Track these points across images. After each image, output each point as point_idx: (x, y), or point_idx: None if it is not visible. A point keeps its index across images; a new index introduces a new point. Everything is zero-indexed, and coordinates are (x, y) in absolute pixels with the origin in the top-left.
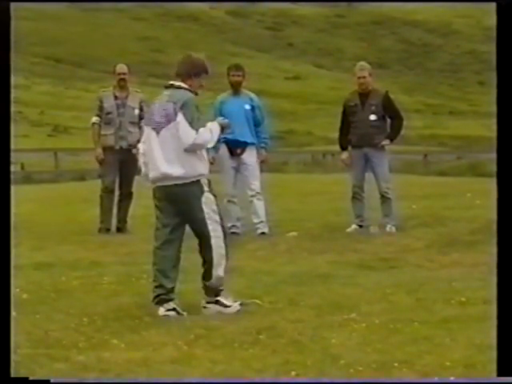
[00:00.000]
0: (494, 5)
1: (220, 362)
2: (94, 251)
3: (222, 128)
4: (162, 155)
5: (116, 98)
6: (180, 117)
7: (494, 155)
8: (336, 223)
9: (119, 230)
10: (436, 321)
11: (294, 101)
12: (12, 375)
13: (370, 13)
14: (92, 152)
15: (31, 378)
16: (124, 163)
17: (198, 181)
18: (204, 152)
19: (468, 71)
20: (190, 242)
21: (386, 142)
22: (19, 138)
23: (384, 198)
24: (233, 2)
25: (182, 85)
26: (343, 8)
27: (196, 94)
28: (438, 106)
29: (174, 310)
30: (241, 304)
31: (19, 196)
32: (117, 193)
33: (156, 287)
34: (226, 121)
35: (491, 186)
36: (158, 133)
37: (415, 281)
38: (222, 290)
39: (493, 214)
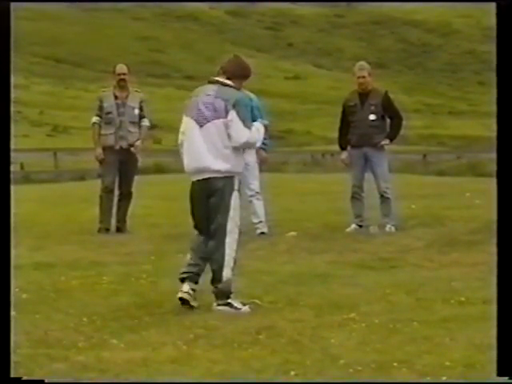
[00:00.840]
0: (493, 5)
1: (219, 361)
2: (93, 251)
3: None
4: (206, 148)
5: (116, 97)
6: (232, 115)
7: (493, 155)
8: (335, 223)
9: (119, 229)
10: (435, 320)
11: (294, 100)
12: (11, 375)
13: (369, 13)
14: (92, 152)
15: (24, 378)
16: (124, 163)
17: (232, 177)
18: (241, 150)
19: (467, 71)
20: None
21: (385, 141)
22: (19, 137)
23: (383, 198)
24: (232, 2)
25: (229, 83)
26: (343, 8)
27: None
28: (437, 106)
29: (193, 291)
30: (250, 307)
31: (18, 196)
32: (116, 192)
33: (189, 265)
34: (266, 122)
35: (491, 185)
36: (201, 126)
37: (415, 281)
38: (231, 293)
39: (492, 214)
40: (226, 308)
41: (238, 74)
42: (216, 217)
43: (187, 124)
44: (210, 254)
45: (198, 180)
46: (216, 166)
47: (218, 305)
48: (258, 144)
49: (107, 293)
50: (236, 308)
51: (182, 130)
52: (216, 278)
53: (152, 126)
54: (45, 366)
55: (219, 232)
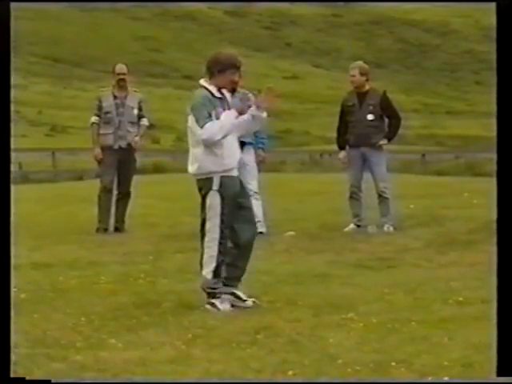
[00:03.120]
0: (491, 4)
1: (218, 361)
2: (91, 251)
3: (240, 113)
4: (190, 153)
5: (115, 97)
6: (190, 118)
7: (491, 155)
8: (334, 223)
9: (117, 229)
10: (434, 320)
11: (292, 100)
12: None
13: (367, 12)
14: (90, 151)
15: (28, 378)
16: (123, 163)
17: (210, 178)
18: (223, 149)
19: (466, 71)
20: (188, 242)
21: (383, 141)
22: (17, 137)
23: (381, 198)
24: (230, 2)
25: (202, 83)
26: (341, 8)
27: (234, 90)
28: (435, 106)
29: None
30: (233, 306)
31: (17, 196)
32: (115, 192)
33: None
34: (243, 106)
35: (489, 185)
36: None
37: (413, 280)
38: (214, 293)
39: (491, 214)
40: (210, 307)
41: (215, 69)
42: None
43: None
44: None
45: None
46: (190, 170)
47: (206, 303)
48: (219, 136)
49: (105, 293)
50: (217, 308)
51: None
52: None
53: (150, 126)
54: (43, 365)
55: (202, 232)
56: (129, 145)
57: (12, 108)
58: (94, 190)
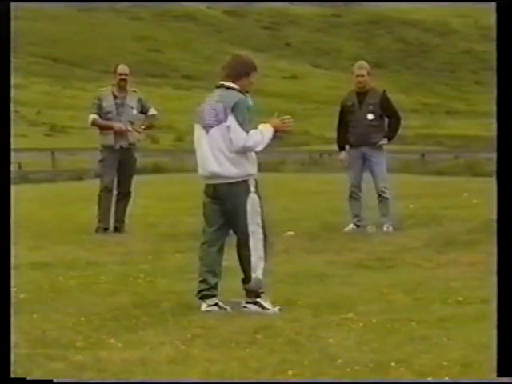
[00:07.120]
0: (491, 4)
1: (217, 361)
2: (91, 251)
3: (277, 131)
4: (212, 154)
5: (115, 97)
6: (230, 119)
7: (491, 155)
8: (333, 223)
9: (117, 229)
10: (433, 320)
11: (291, 100)
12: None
13: (367, 12)
14: (90, 151)
15: (29, 379)
16: (123, 163)
17: (246, 181)
18: (252, 152)
19: (465, 71)
20: (188, 242)
21: (383, 141)
22: (16, 137)
23: (381, 198)
24: (230, 2)
25: (232, 85)
26: (340, 7)
27: (247, 92)
28: (435, 106)
29: (216, 305)
30: (280, 309)
31: (16, 196)
32: (115, 192)
33: (200, 282)
34: (280, 122)
35: (488, 185)
36: (207, 132)
37: (412, 280)
38: (262, 293)
39: (490, 214)
40: (253, 306)
41: (243, 72)
42: (236, 221)
43: (197, 131)
44: (214, 266)
45: (208, 184)
46: (223, 172)
47: (247, 302)
48: (260, 148)
49: (105, 292)
50: (264, 307)
51: (194, 137)
52: (245, 278)
53: (150, 126)
54: (43, 365)
55: (242, 237)
56: (130, 144)
57: (11, 108)
58: (93, 189)
